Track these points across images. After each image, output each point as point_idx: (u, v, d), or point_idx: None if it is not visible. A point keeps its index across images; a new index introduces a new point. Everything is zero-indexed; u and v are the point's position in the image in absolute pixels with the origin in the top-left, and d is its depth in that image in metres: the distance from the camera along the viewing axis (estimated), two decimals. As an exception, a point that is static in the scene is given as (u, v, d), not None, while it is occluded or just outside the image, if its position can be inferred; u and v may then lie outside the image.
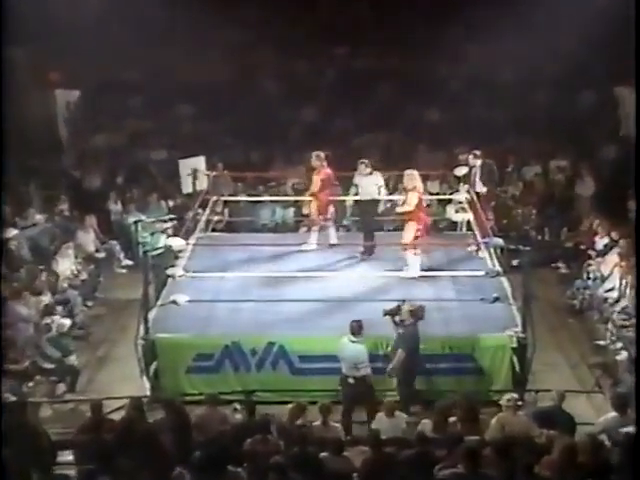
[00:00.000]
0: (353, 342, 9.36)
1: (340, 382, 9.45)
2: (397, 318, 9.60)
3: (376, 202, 12.51)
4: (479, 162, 12.73)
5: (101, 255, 14.02)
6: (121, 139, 17.79)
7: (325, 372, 9.94)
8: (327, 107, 18.62)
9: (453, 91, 18.47)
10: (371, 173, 12.37)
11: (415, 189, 11.32)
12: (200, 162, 14.01)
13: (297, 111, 18.55)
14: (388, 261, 12.15)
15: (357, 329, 9.39)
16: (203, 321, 10.60)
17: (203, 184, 13.79)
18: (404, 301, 9.68)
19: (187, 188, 13.83)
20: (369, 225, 12.72)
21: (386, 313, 9.67)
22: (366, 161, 12.41)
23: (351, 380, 9.34)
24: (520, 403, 8.58)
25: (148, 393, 9.84)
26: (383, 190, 12.47)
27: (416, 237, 11.28)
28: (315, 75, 19.24)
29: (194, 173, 13.70)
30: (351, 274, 11.78)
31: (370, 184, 12.37)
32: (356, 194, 12.56)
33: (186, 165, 13.78)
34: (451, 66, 18.32)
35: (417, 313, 9.53)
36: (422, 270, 11.56)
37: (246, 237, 14.02)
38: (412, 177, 11.36)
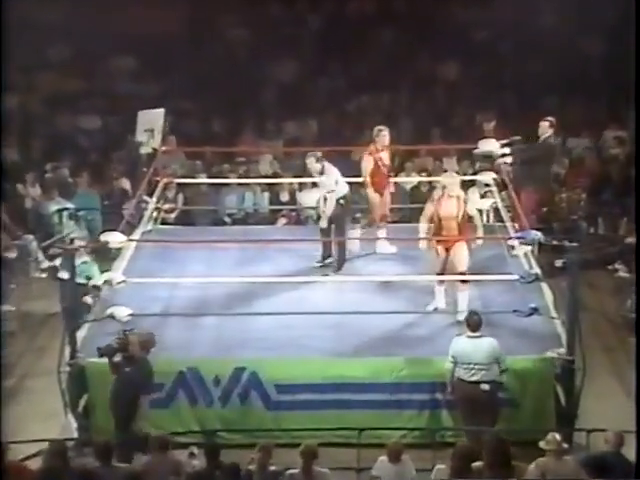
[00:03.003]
0: (477, 338, 9.57)
1: (470, 396, 9.49)
2: (119, 357, 9.52)
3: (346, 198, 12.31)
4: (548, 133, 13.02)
5: (12, 255, 13.94)
6: (38, 100, 17.71)
7: (310, 406, 9.99)
8: (311, 63, 18.63)
9: (476, 41, 18.48)
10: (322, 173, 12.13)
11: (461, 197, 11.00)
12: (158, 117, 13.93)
13: (272, 68, 18.56)
14: (391, 261, 12.19)
15: (477, 323, 9.60)
16: (150, 341, 10.63)
17: (156, 142, 13.71)
18: (130, 330, 9.65)
19: (147, 149, 13.78)
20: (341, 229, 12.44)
21: (103, 353, 9.53)
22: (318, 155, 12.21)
23: (485, 387, 9.50)
24: (566, 446, 8.56)
25: (75, 435, 9.81)
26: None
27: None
28: (295, 21, 19.22)
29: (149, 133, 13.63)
30: (343, 278, 11.79)
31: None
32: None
33: (145, 119, 13.71)
34: (473, 8, 18.34)
35: (149, 343, 9.62)
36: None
37: (207, 231, 14.02)
38: (455, 182, 11.18)
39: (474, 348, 9.60)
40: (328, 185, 12.04)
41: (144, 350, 9.60)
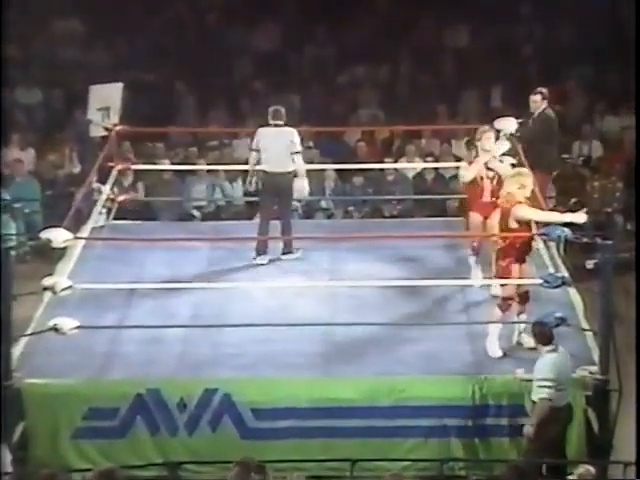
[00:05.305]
0: (558, 350, 9.76)
1: (563, 423, 9.71)
2: None
3: (289, 175, 12.45)
4: (542, 107, 13.10)
5: None
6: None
7: (294, 434, 10.03)
8: (293, 28, 18.65)
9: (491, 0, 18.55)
10: (276, 126, 12.32)
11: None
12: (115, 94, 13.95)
13: (248, 34, 18.58)
14: (392, 264, 12.29)
15: (549, 336, 9.73)
16: (101, 358, 10.65)
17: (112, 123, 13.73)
18: None
19: (97, 130, 13.78)
20: (284, 211, 12.69)
21: None
22: (280, 109, 12.39)
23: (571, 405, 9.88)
24: (600, 480, 8.66)
25: (9, 469, 9.61)
26: (297, 149, 12.40)
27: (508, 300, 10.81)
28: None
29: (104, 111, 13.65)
30: (332, 284, 11.83)
31: (279, 145, 12.33)
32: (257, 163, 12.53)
33: (99, 95, 13.72)
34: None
35: None
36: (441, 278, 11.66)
37: (171, 227, 14.13)
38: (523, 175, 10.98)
39: (561, 363, 9.71)
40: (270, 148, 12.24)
41: None
